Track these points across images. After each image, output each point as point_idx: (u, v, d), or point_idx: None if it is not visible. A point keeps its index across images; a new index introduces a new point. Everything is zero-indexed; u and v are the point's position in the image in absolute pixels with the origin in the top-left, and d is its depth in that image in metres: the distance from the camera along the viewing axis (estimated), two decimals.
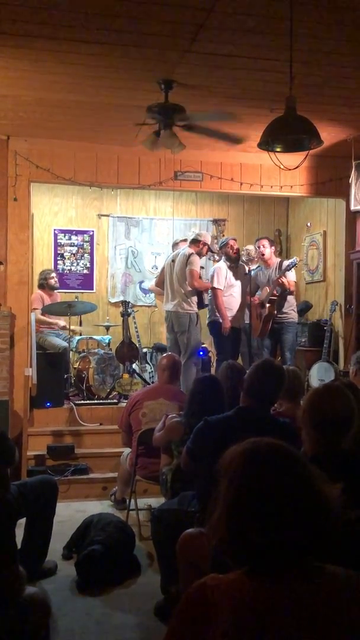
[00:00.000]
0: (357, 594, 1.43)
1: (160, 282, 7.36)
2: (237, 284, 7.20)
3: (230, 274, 7.17)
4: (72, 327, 7.48)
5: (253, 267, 7.46)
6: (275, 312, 6.97)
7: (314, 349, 7.43)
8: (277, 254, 7.45)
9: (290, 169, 4.16)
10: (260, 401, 3.29)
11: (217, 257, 8.21)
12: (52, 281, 7.68)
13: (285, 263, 7.06)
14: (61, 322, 7.49)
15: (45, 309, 7.30)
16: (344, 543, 1.72)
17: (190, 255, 6.82)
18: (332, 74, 4.61)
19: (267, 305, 6.96)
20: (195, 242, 6.99)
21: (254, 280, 7.24)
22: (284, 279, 6.88)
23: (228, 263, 7.22)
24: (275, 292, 6.93)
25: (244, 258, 7.68)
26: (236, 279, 7.20)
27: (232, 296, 7.14)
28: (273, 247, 7.29)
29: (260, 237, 7.56)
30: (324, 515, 1.45)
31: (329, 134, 5.94)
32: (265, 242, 7.20)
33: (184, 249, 7.05)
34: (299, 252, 8.61)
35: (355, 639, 1.40)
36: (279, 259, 7.34)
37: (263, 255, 7.19)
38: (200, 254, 6.94)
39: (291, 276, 7.08)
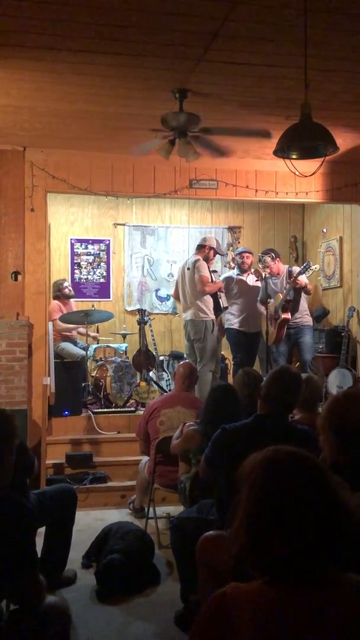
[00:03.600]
0: None
1: (176, 295, 7.37)
2: (246, 293, 7.38)
3: (239, 282, 7.43)
4: (92, 334, 7.50)
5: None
6: (290, 317, 6.96)
7: (331, 355, 7.39)
8: (278, 261, 7.44)
9: (306, 176, 4.16)
10: (278, 408, 3.28)
11: (232, 265, 8.25)
12: (66, 290, 7.72)
13: (295, 269, 7.10)
14: (81, 328, 7.55)
15: (62, 318, 7.33)
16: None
17: (196, 261, 6.85)
18: (346, 80, 4.61)
19: (281, 311, 6.95)
20: (200, 247, 7.05)
21: (265, 287, 7.24)
22: (299, 280, 6.87)
23: (238, 272, 7.53)
24: (288, 297, 6.92)
25: (260, 265, 7.69)
26: (245, 288, 7.39)
27: (236, 304, 7.32)
28: (278, 259, 7.34)
29: (262, 252, 7.53)
30: (345, 525, 1.44)
31: (344, 140, 5.92)
32: (267, 259, 7.19)
33: (191, 257, 7.07)
34: (315, 259, 8.57)
35: None
36: (286, 267, 7.35)
37: (270, 271, 7.21)
38: (207, 259, 6.96)
39: (304, 279, 7.07)
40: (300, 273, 6.93)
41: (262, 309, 7.17)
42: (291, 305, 6.98)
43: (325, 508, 1.43)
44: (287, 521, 1.41)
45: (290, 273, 7.09)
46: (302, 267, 7.08)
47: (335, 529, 1.42)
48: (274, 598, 1.41)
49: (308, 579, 1.41)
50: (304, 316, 7.14)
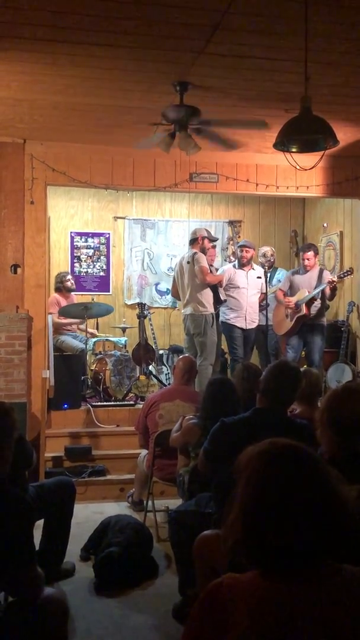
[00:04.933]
0: None
1: (175, 292, 7.35)
2: (244, 287, 7.33)
3: (237, 276, 7.34)
4: (90, 330, 7.49)
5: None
6: (309, 313, 6.97)
7: (331, 350, 7.39)
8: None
9: (306, 170, 4.15)
10: (277, 402, 3.28)
11: (232, 258, 8.24)
12: (69, 283, 7.72)
13: (327, 272, 7.15)
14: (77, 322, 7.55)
15: (62, 311, 7.32)
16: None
17: (194, 254, 6.82)
18: (347, 73, 4.60)
19: (304, 306, 6.94)
20: (193, 241, 7.00)
21: (290, 280, 7.27)
22: (334, 281, 6.90)
23: (237, 266, 7.46)
24: (316, 297, 6.94)
25: (260, 260, 7.69)
26: (244, 283, 7.34)
27: (233, 298, 7.26)
28: (317, 256, 7.32)
29: (304, 247, 7.58)
30: (341, 518, 1.44)
31: (345, 134, 5.91)
32: (311, 254, 7.20)
33: (187, 252, 7.05)
34: None
35: None
36: (319, 267, 7.34)
37: (308, 265, 7.23)
38: (203, 251, 6.92)
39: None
40: (342, 276, 7.07)
41: (280, 298, 7.24)
42: (316, 306, 7.01)
43: (321, 501, 1.43)
44: (281, 513, 1.42)
45: (321, 272, 7.08)
46: (344, 272, 7.15)
47: (330, 522, 1.42)
48: (269, 588, 1.41)
49: (304, 570, 1.42)
50: (322, 317, 7.19)
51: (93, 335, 7.72)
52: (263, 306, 7.40)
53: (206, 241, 6.96)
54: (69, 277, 7.82)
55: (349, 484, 1.61)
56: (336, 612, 1.38)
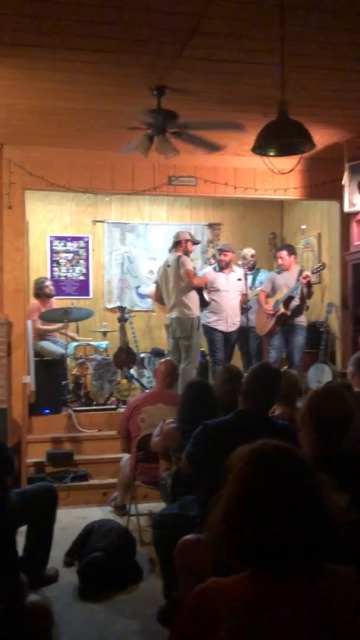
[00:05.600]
0: (358, 588, 1.45)
1: (157, 296, 7.34)
2: (225, 290, 7.36)
3: (217, 279, 7.36)
4: (70, 334, 7.47)
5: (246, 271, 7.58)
6: (288, 312, 7.01)
7: (310, 350, 7.44)
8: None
9: (283, 173, 4.18)
10: (259, 404, 3.30)
11: (212, 261, 8.27)
12: (47, 289, 7.65)
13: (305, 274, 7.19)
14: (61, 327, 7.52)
15: (42, 316, 7.29)
16: (344, 546, 1.73)
17: (179, 257, 6.82)
18: (323, 77, 4.64)
19: (282, 306, 6.99)
20: (177, 244, 6.98)
21: (273, 281, 7.30)
22: (310, 276, 6.94)
23: (217, 269, 7.48)
24: (293, 294, 6.99)
25: (239, 262, 7.72)
26: (224, 285, 7.36)
27: (214, 301, 7.28)
28: (292, 256, 7.35)
29: (279, 247, 7.68)
30: (323, 526, 1.44)
31: (322, 137, 5.96)
32: (284, 253, 7.28)
33: (170, 255, 7.04)
34: None
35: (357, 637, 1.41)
36: (299, 266, 7.38)
37: (282, 264, 7.30)
38: (187, 253, 6.93)
39: (313, 279, 7.19)
40: (316, 271, 7.12)
41: (262, 301, 7.28)
42: (294, 305, 7.04)
43: (305, 507, 1.44)
44: (263, 513, 1.43)
45: (301, 272, 7.12)
46: (317, 267, 7.22)
47: (311, 529, 1.43)
48: (254, 590, 1.42)
49: (287, 571, 1.43)
50: (302, 317, 7.22)
51: (73, 340, 7.69)
52: (246, 308, 7.43)
53: (189, 244, 6.98)
54: (48, 282, 7.76)
55: (337, 490, 1.62)
56: (320, 613, 1.39)
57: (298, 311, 7.12)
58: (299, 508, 1.43)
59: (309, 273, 6.93)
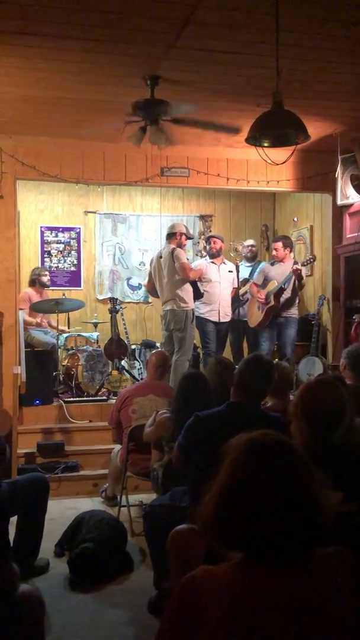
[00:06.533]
0: (347, 568, 1.47)
1: (151, 288, 7.32)
2: (217, 281, 7.36)
3: (209, 270, 7.37)
4: (60, 327, 7.45)
5: (244, 263, 7.59)
6: (279, 304, 7.02)
7: (302, 343, 7.46)
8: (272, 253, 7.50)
9: (277, 164, 4.17)
10: (251, 396, 3.31)
11: (203, 253, 8.26)
12: (45, 279, 7.71)
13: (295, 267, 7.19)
14: (50, 321, 7.51)
15: (33, 307, 7.27)
16: (334, 537, 1.74)
17: (173, 250, 6.79)
18: (318, 69, 4.63)
19: (272, 297, 7.00)
20: (171, 236, 6.95)
21: (265, 273, 7.31)
22: (300, 267, 6.94)
23: (209, 259, 7.49)
24: (284, 286, 6.99)
25: (231, 254, 7.72)
26: (217, 276, 7.36)
27: (206, 291, 7.27)
28: (288, 248, 7.35)
29: (275, 238, 7.71)
30: (313, 520, 1.45)
31: (316, 129, 5.94)
32: (279, 245, 7.30)
33: (165, 247, 7.02)
34: None
35: (346, 624, 1.42)
36: (293, 260, 7.38)
37: (276, 255, 7.33)
38: (180, 246, 6.91)
39: (304, 271, 7.19)
40: (305, 264, 7.12)
41: (254, 292, 7.29)
42: (285, 297, 7.05)
43: (296, 499, 1.44)
44: (254, 502, 1.43)
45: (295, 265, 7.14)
46: (307, 259, 7.23)
47: (303, 517, 1.44)
48: (242, 579, 1.43)
49: (276, 560, 1.43)
50: (293, 309, 7.23)
51: (62, 332, 7.68)
52: (243, 301, 7.44)
53: (184, 238, 6.97)
54: (46, 272, 7.85)
55: (330, 484, 1.63)
56: (310, 601, 1.40)
57: (289, 304, 7.13)
58: (291, 497, 1.44)
59: (298, 265, 6.94)
